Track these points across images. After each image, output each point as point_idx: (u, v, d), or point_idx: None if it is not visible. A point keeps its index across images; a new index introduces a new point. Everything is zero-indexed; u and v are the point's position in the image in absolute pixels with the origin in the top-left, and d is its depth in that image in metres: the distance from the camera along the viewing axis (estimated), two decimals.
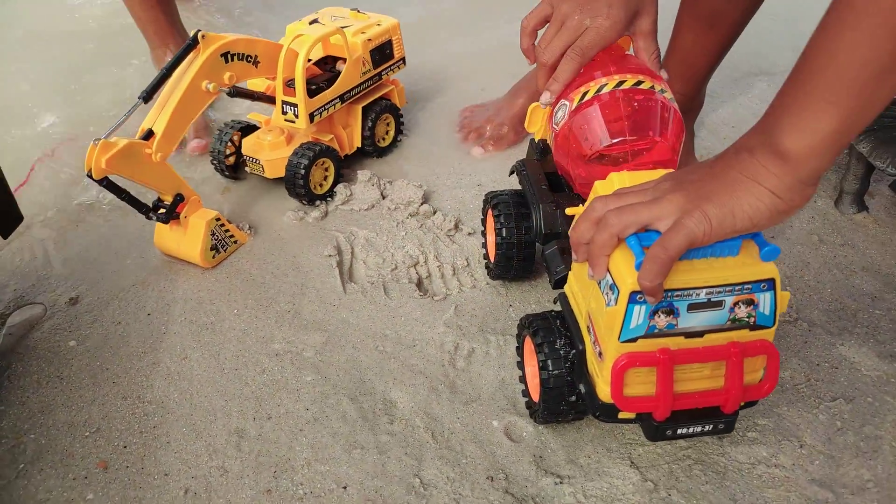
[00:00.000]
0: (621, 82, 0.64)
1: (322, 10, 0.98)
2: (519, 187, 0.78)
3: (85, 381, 0.70)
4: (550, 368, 0.59)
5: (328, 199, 0.93)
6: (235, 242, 0.85)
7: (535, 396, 0.64)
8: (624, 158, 0.64)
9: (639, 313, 0.50)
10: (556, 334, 0.60)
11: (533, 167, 0.76)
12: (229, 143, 0.93)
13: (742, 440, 0.63)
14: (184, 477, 0.61)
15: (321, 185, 0.92)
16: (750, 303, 0.51)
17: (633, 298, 0.50)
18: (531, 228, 0.72)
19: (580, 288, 0.58)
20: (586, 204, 0.60)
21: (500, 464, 0.62)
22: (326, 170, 0.92)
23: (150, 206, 0.79)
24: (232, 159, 0.95)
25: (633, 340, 0.51)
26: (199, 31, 0.75)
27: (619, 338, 0.51)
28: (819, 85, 0.43)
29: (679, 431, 0.54)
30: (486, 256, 0.82)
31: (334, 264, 0.84)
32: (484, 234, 0.83)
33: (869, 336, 0.73)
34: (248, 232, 0.88)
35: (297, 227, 0.90)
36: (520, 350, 0.67)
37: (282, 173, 0.90)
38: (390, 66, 0.99)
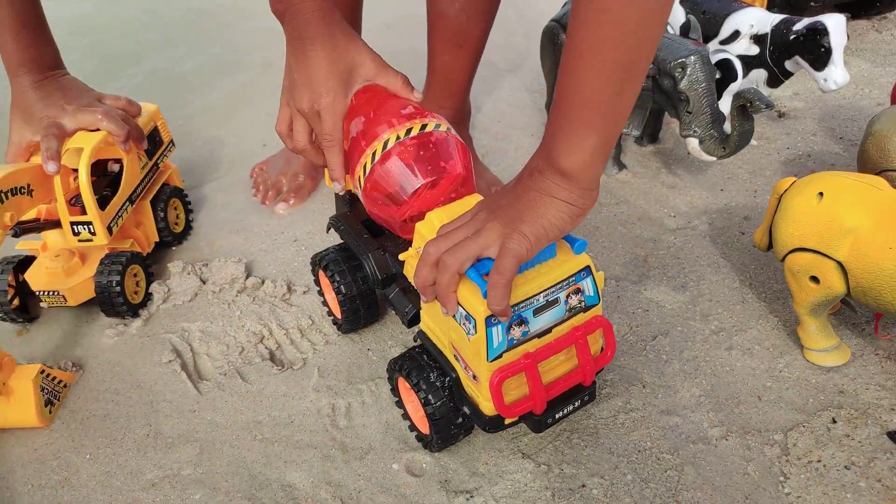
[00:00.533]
0: (408, 130, 0.68)
1: None
2: (339, 241, 0.81)
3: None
4: (433, 402, 0.63)
5: (146, 304, 0.88)
6: (65, 387, 0.77)
7: (424, 429, 0.68)
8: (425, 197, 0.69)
9: (497, 333, 0.56)
10: (427, 369, 0.65)
11: (348, 219, 0.79)
12: (9, 288, 0.83)
13: (600, 399, 0.73)
14: None
15: (136, 294, 0.87)
16: (578, 291, 0.60)
17: (489, 322, 0.56)
18: (367, 278, 0.76)
19: (436, 323, 0.63)
20: (414, 247, 0.65)
21: (413, 501, 0.65)
22: (136, 276, 0.87)
23: None
24: (17, 301, 0.85)
25: (500, 357, 0.57)
26: None
27: (487, 359, 0.57)
28: (574, 114, 0.52)
29: (557, 416, 0.62)
30: (330, 314, 0.84)
31: (178, 368, 0.80)
32: (321, 292, 0.85)
33: (661, 275, 0.87)
34: (73, 370, 0.81)
35: (123, 343, 0.84)
36: (394, 391, 0.71)
37: (88, 297, 0.84)
38: (163, 151, 0.96)
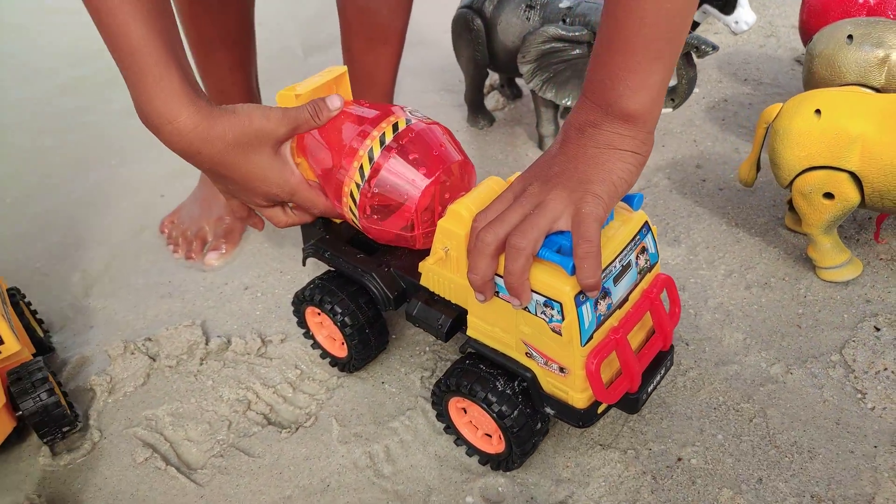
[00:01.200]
0: (382, 137, 0.61)
1: None
2: (317, 273, 0.71)
3: None
4: (509, 413, 0.56)
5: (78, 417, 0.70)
6: None
7: (493, 447, 0.60)
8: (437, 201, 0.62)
9: (587, 312, 0.50)
10: (490, 379, 0.56)
11: (331, 243, 0.69)
12: None
13: None
14: None
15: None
16: (644, 250, 0.55)
17: (578, 301, 0.49)
18: (372, 301, 0.67)
19: (493, 324, 0.56)
20: (436, 249, 0.57)
21: None
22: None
23: None
24: None
25: (591, 338, 0.51)
26: None
27: (581, 343, 0.50)
28: (640, 46, 0.48)
29: (650, 390, 0.56)
30: (325, 356, 0.73)
31: (161, 464, 0.65)
32: (307, 335, 0.73)
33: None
34: None
35: (78, 458, 0.67)
36: (442, 416, 0.62)
37: (4, 434, 0.65)
38: None
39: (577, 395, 0.53)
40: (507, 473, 0.61)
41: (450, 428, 0.63)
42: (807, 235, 0.74)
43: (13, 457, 0.68)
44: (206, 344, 0.77)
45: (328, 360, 0.73)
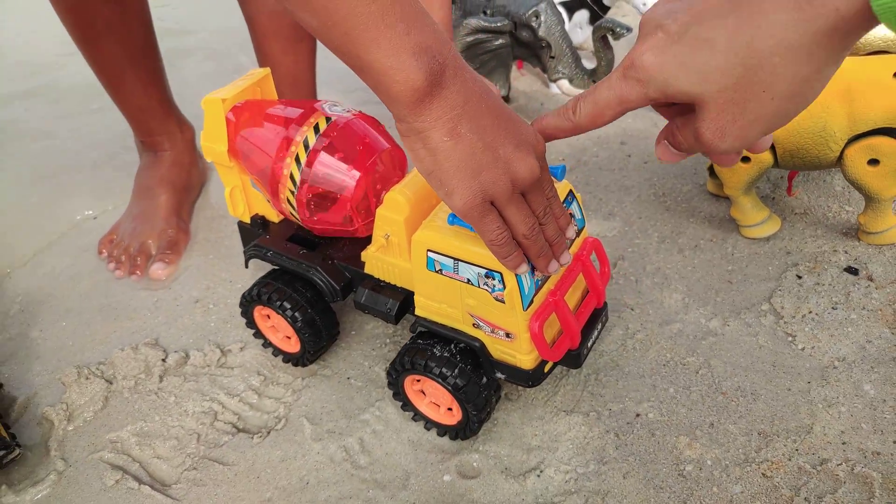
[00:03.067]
0: (305, 140, 0.63)
1: None
2: (260, 273, 0.73)
3: None
4: (462, 383, 0.59)
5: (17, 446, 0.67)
6: None
7: (453, 420, 0.63)
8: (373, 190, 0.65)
9: (526, 279, 0.53)
10: (438, 350, 0.60)
11: (272, 243, 0.71)
12: None
13: (602, 333, 0.73)
14: None
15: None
16: (571, 216, 0.59)
17: None
18: (319, 294, 0.69)
19: (439, 300, 0.59)
20: (377, 237, 0.61)
21: (487, 501, 0.59)
22: None
23: None
24: None
25: (532, 303, 0.54)
26: None
27: (523, 308, 0.54)
28: None
29: (590, 345, 0.61)
30: (278, 353, 0.74)
31: (133, 485, 0.65)
32: (257, 335, 0.75)
33: (586, 210, 0.90)
34: None
35: (45, 491, 0.66)
36: (400, 395, 0.65)
37: None
38: None
39: (524, 357, 0.57)
40: (480, 451, 0.64)
41: (407, 405, 0.65)
42: (728, 198, 0.80)
43: None
44: (164, 361, 0.76)
45: (281, 357, 0.74)
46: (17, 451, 0.67)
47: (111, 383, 0.75)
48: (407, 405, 0.65)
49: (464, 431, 0.63)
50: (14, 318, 0.85)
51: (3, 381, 0.77)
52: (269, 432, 0.68)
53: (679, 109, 0.43)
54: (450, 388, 0.59)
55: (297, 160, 0.63)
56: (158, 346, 0.78)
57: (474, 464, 0.63)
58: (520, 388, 0.68)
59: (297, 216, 0.66)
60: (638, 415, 0.64)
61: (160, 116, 0.96)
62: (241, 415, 0.71)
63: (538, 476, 0.61)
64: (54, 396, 0.74)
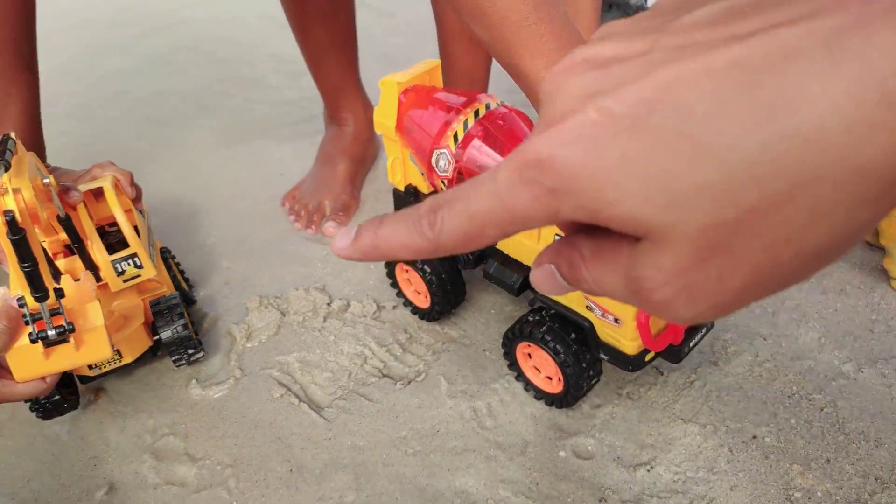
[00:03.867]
0: (465, 122, 0.71)
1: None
2: None
3: None
4: (567, 357, 0.66)
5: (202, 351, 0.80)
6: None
7: (551, 389, 0.71)
8: None
9: None
10: (550, 324, 0.67)
11: None
12: None
13: (730, 356, 0.76)
14: None
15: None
16: None
17: None
18: (453, 260, 0.79)
19: None
20: None
21: (596, 482, 0.65)
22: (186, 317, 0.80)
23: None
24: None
25: None
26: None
27: None
28: None
29: (692, 344, 0.66)
30: (415, 311, 0.85)
31: (294, 401, 0.76)
32: (400, 294, 0.86)
33: None
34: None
35: (220, 388, 0.79)
36: (510, 356, 0.73)
37: (144, 348, 0.75)
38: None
39: (629, 343, 0.62)
40: (597, 436, 0.69)
41: (513, 365, 0.74)
42: (883, 248, 0.80)
43: (167, 387, 0.80)
44: (329, 305, 0.88)
45: (417, 314, 0.85)
46: (202, 353, 0.81)
47: (284, 315, 0.87)
48: (514, 365, 0.74)
49: (559, 401, 0.70)
50: (209, 249, 1.01)
51: (197, 299, 0.92)
52: (409, 382, 0.77)
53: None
54: (558, 360, 0.66)
55: (455, 139, 0.72)
56: (325, 292, 0.90)
57: (589, 447, 0.69)
58: (642, 388, 0.73)
59: (447, 185, 0.76)
60: (755, 437, 0.67)
61: (350, 96, 1.09)
62: (387, 363, 0.81)
63: (648, 471, 0.66)
64: (238, 317, 0.88)
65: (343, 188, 1.06)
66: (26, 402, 0.69)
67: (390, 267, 0.85)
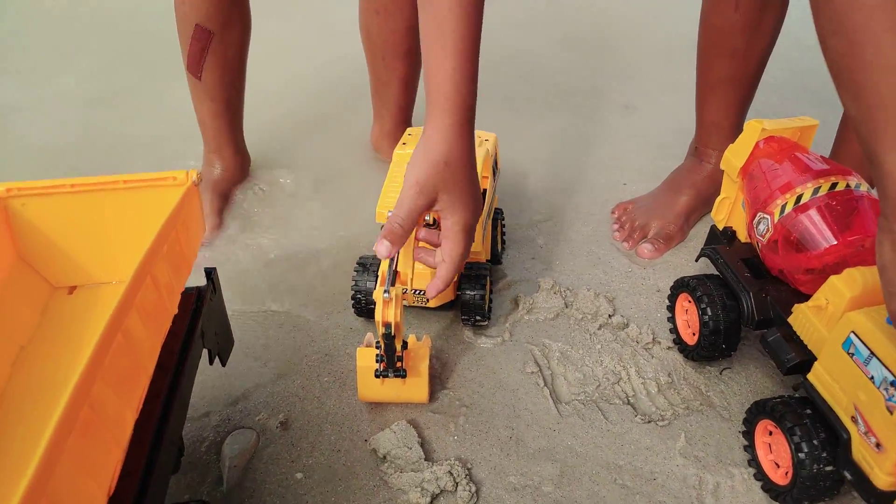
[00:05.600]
0: (817, 189, 0.69)
1: (411, 129, 0.97)
2: (704, 272, 0.84)
3: None
4: (805, 450, 0.60)
5: (490, 312, 0.90)
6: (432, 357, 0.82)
7: (781, 479, 0.65)
8: (843, 262, 0.67)
9: None
10: (804, 419, 0.62)
11: (727, 253, 0.79)
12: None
13: None
14: None
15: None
16: None
17: None
18: (739, 313, 0.76)
19: (835, 378, 0.60)
20: (816, 299, 0.65)
21: None
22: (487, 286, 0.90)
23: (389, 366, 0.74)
24: None
25: None
26: None
27: None
28: None
29: None
30: (677, 340, 0.85)
31: (540, 382, 0.82)
32: (672, 319, 0.85)
33: None
34: (427, 335, 0.85)
35: (485, 341, 0.88)
36: (749, 436, 0.70)
37: (446, 300, 0.86)
38: (497, 177, 0.99)
39: (882, 476, 0.55)
40: None
41: (750, 446, 0.70)
42: None
43: (452, 322, 0.92)
44: (610, 317, 0.90)
45: (677, 346, 0.85)
46: (486, 322, 0.90)
47: (567, 307, 0.93)
48: (749, 435, 0.70)
49: (783, 497, 0.65)
50: (533, 224, 1.10)
51: (503, 261, 1.02)
52: (649, 421, 0.77)
53: None
54: (795, 459, 0.61)
55: (798, 201, 0.69)
56: (612, 304, 0.93)
57: None
58: None
59: (760, 246, 0.75)
60: None
61: (725, 135, 1.07)
62: (637, 394, 0.81)
63: None
64: (528, 291, 0.95)
65: (676, 218, 1.06)
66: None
67: (675, 292, 0.85)
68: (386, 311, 0.67)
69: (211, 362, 0.70)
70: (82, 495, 0.40)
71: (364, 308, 0.88)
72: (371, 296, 0.87)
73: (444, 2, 0.60)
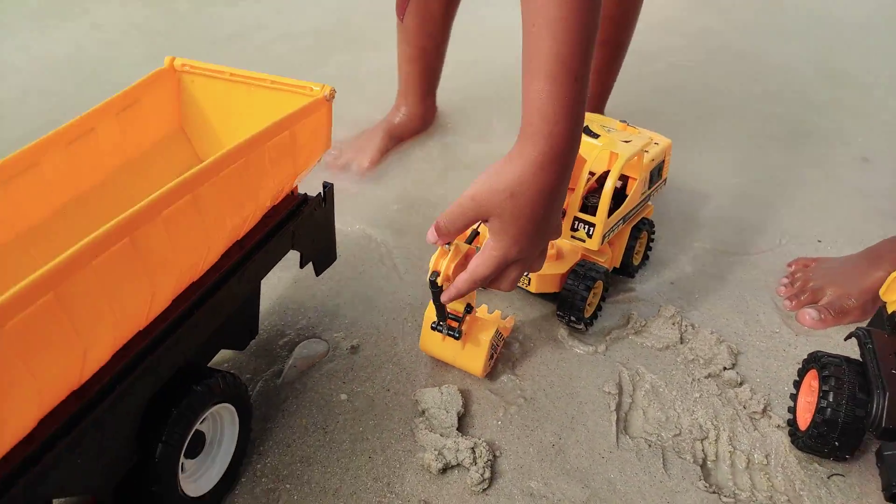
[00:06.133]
0: None
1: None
2: (851, 356, 0.70)
3: (345, 445, 0.69)
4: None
5: (594, 319, 0.86)
6: (503, 339, 0.79)
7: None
8: None
9: None
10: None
11: (882, 341, 0.66)
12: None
13: None
14: None
15: (589, 306, 0.84)
16: None
17: None
18: (866, 410, 0.64)
19: None
20: None
21: None
22: (595, 289, 0.84)
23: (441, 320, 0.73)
24: None
25: None
26: None
27: None
28: None
29: None
30: (791, 423, 0.73)
31: (612, 406, 0.75)
32: (796, 384, 0.74)
33: None
34: (511, 317, 0.82)
35: (575, 348, 0.83)
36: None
37: (549, 290, 0.83)
38: (657, 186, 0.92)
39: None
40: None
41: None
42: None
43: (550, 327, 0.87)
44: (725, 369, 0.80)
45: (789, 427, 0.73)
46: (583, 329, 0.84)
47: (681, 343, 0.83)
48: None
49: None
50: (692, 249, 1.00)
51: (636, 275, 0.94)
52: (716, 492, 0.67)
53: None
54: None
55: None
56: (734, 356, 0.82)
57: None
58: None
59: None
60: None
61: None
62: (719, 460, 0.71)
63: None
64: (647, 312, 0.87)
65: (861, 294, 0.89)
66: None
67: (805, 366, 0.73)
68: (439, 259, 0.65)
69: (302, 266, 0.75)
70: (96, 314, 0.46)
71: None
72: None
73: (538, 16, 0.53)
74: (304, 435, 0.70)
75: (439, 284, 0.66)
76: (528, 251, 0.61)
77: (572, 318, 0.82)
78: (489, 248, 0.61)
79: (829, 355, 0.69)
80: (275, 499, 0.64)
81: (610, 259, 0.88)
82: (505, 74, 1.20)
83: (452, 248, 0.65)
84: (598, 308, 0.86)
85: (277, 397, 0.74)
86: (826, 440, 0.66)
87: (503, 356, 0.80)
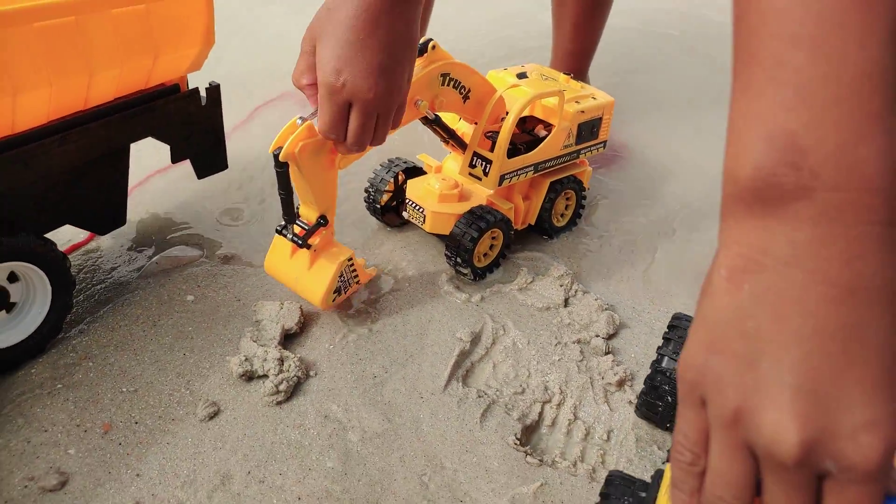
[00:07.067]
0: None
1: (529, 64, 0.88)
2: None
3: (166, 340, 0.69)
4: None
5: (490, 272, 0.81)
6: (358, 283, 0.74)
7: None
8: None
9: None
10: None
11: None
12: (391, 181, 0.84)
13: None
14: (155, 487, 0.55)
15: (485, 256, 0.79)
16: None
17: None
18: None
19: None
20: None
21: None
22: (494, 240, 0.78)
23: (287, 218, 0.68)
24: (385, 198, 0.84)
25: None
26: (431, 40, 0.68)
27: None
28: None
29: None
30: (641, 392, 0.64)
31: (456, 351, 0.70)
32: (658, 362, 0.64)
33: None
34: (375, 268, 0.78)
35: (458, 297, 0.78)
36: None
37: (443, 231, 0.78)
38: (591, 146, 0.85)
39: None
40: None
41: None
42: None
43: (434, 275, 0.83)
44: (597, 336, 0.73)
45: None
46: (471, 278, 0.80)
47: (564, 306, 0.77)
48: None
49: None
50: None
51: (555, 237, 0.88)
52: (533, 455, 0.61)
53: None
54: None
55: None
56: (614, 326, 0.74)
57: None
58: None
59: None
60: None
61: None
62: (556, 426, 0.65)
63: None
64: (538, 272, 0.81)
65: None
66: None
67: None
68: (286, 133, 0.61)
69: (173, 161, 0.75)
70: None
71: (371, 204, 0.85)
72: (377, 193, 0.84)
73: None
74: (133, 324, 0.70)
75: (283, 168, 0.62)
76: (352, 73, 0.56)
77: (458, 261, 0.77)
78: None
79: (688, 317, 0.62)
80: (71, 373, 0.64)
81: (517, 211, 0.83)
82: None
83: (305, 125, 0.61)
84: (497, 263, 0.81)
85: (125, 287, 0.74)
86: (659, 393, 0.59)
87: (372, 287, 0.77)
